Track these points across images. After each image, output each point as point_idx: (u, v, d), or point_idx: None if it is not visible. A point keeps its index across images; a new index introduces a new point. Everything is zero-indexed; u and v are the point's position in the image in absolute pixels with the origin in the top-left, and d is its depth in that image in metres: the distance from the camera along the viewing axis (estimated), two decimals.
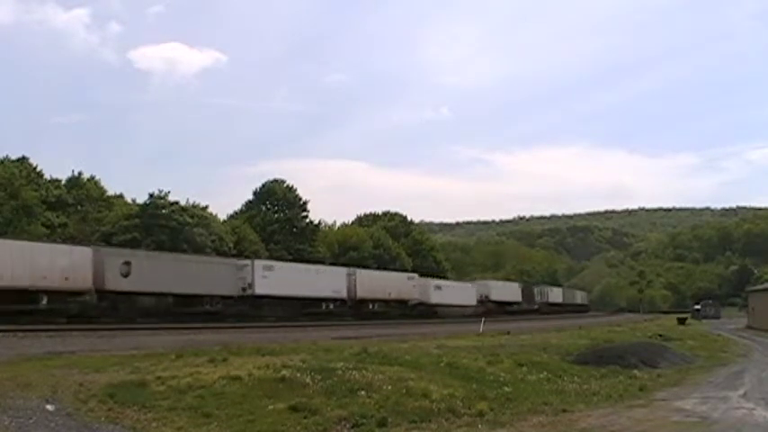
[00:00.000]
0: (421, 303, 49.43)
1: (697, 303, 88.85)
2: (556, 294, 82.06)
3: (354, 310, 43.06)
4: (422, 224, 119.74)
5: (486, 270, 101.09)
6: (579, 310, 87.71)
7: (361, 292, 43.98)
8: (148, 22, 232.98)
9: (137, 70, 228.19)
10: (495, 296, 61.65)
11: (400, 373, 12.99)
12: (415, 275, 51.88)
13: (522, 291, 70.63)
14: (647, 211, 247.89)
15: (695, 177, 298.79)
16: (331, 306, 41.25)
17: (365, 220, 79.78)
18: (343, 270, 44.64)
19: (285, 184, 64.19)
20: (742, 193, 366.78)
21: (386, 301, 46.48)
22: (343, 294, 42.16)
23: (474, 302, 56.90)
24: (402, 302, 47.99)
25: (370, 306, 45.02)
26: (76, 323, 26.06)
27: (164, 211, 47.15)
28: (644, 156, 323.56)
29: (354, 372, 12.46)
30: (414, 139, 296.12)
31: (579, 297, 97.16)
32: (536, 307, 71.77)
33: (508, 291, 67.45)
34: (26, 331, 20.16)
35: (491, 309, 57.38)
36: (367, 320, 40.11)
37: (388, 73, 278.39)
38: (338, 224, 77.84)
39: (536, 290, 77.02)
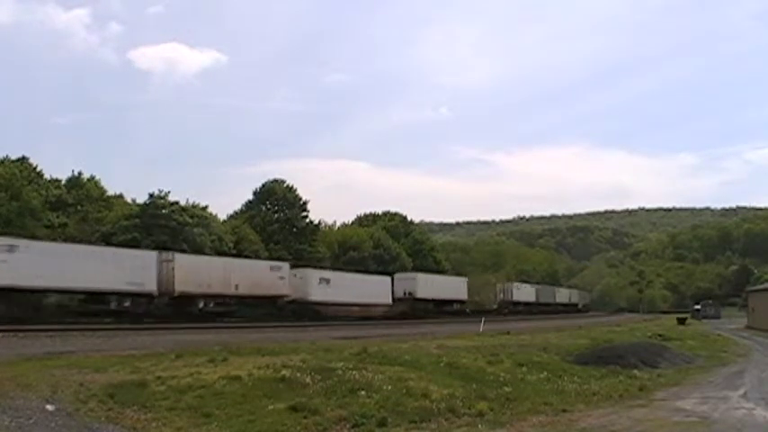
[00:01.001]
0: (295, 301, 39.16)
1: (697, 303, 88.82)
2: (525, 292, 72.60)
3: (169, 308, 32.65)
4: (422, 224, 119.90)
5: (486, 270, 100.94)
6: (561, 310, 79.09)
7: (183, 285, 32.68)
8: (148, 22, 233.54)
9: (137, 70, 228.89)
10: (424, 293, 50.88)
11: (400, 373, 12.99)
12: (285, 264, 40.36)
13: (471, 287, 60.47)
14: (647, 211, 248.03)
15: (695, 177, 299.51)
16: (127, 303, 30.19)
17: (365, 220, 79.74)
18: (150, 255, 32.55)
19: (285, 184, 64.13)
20: (742, 193, 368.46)
21: (228, 297, 35.21)
22: (149, 287, 31.11)
23: (389, 300, 47.40)
24: (263, 299, 37.29)
25: (200, 305, 33.70)
26: (76, 323, 26.07)
27: (164, 211, 47.08)
28: (644, 156, 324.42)
29: (354, 372, 12.46)
30: (414, 139, 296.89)
31: (563, 295, 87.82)
32: (495, 306, 63.52)
33: (447, 287, 56.27)
34: (26, 331, 20.16)
35: (416, 309, 48.75)
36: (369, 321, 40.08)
37: (388, 73, 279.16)
38: (338, 224, 77.88)
39: (499, 286, 68.95)
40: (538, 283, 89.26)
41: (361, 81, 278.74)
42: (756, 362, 22.75)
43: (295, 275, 40.01)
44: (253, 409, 9.72)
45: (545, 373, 15.58)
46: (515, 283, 72.65)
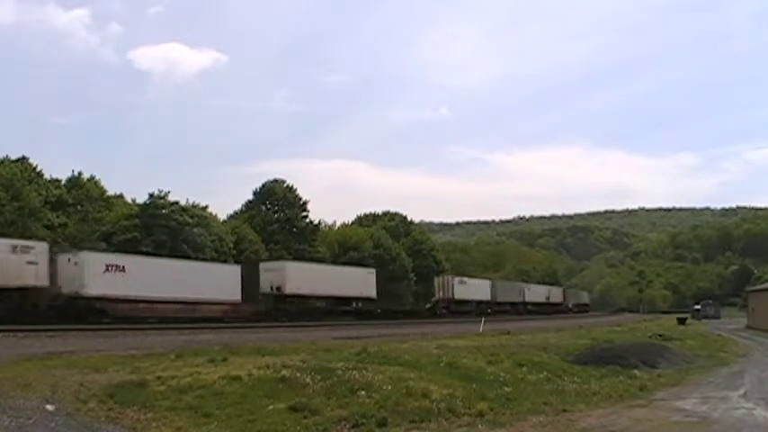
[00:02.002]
0: (61, 295, 29.42)
1: (697, 303, 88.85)
2: (473, 289, 60.01)
3: None
4: (422, 224, 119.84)
5: (486, 270, 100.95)
6: (533, 311, 68.03)
7: None
8: (148, 22, 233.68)
9: (137, 70, 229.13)
10: (298, 287, 40.12)
11: (400, 373, 12.99)
12: (41, 244, 29.90)
13: (380, 280, 49.76)
14: (647, 211, 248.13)
15: (695, 177, 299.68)
16: None
17: (365, 220, 79.68)
18: None
19: (285, 184, 64.10)
20: (742, 193, 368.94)
21: None
22: None
23: (235, 297, 36.50)
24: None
25: None
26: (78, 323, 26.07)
27: (164, 211, 47.07)
28: (644, 156, 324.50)
29: (354, 372, 12.46)
30: (414, 139, 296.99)
31: (536, 293, 75.54)
32: (428, 306, 56.46)
33: (339, 280, 44.19)
34: (26, 331, 20.18)
35: (285, 309, 38.91)
36: (367, 320, 39.99)
37: (388, 73, 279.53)
38: (338, 224, 77.83)
39: (437, 281, 58.40)
40: (506, 278, 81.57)
41: (361, 81, 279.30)
42: (756, 362, 22.75)
43: (69, 260, 30.33)
44: (253, 409, 9.72)
45: (545, 373, 15.57)
46: (459, 278, 60.24)
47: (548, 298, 78.82)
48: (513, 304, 66.55)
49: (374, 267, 53.40)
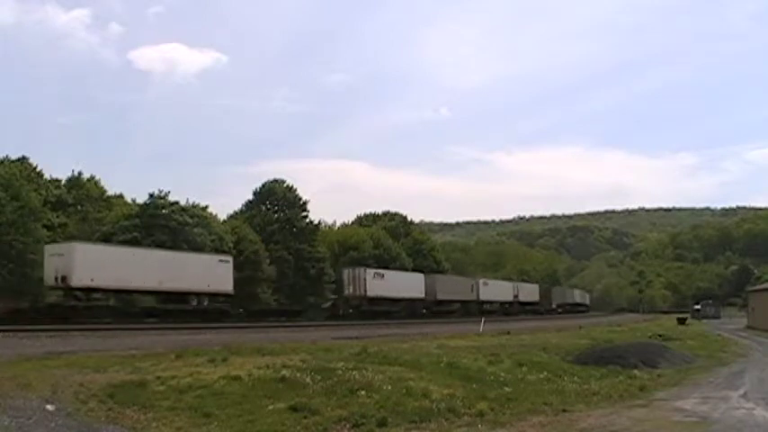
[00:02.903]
0: None
1: (697, 303, 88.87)
2: (397, 284, 48.83)
3: None
4: (422, 224, 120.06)
5: (486, 270, 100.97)
6: (488, 310, 57.66)
7: None
8: (148, 22, 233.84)
9: (137, 70, 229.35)
10: (102, 279, 30.35)
11: (400, 373, 12.99)
12: None
13: (237, 274, 39.46)
14: (647, 211, 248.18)
15: (695, 177, 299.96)
16: None
17: (365, 220, 79.77)
18: None
19: (285, 184, 64.12)
20: (742, 193, 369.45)
21: None
22: None
23: None
24: None
25: None
26: (77, 323, 26.06)
27: (164, 211, 47.09)
28: (644, 156, 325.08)
29: (354, 372, 12.46)
30: (414, 139, 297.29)
31: (500, 291, 66.04)
32: (327, 305, 49.40)
33: (175, 270, 33.98)
34: (26, 331, 20.17)
35: (67, 309, 29.08)
36: (369, 320, 39.98)
37: (388, 73, 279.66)
38: (338, 224, 77.92)
39: (347, 274, 47.44)
40: (462, 274, 72.15)
41: (361, 81, 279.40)
42: (756, 362, 22.73)
43: None
44: (253, 409, 9.72)
45: (545, 373, 15.56)
46: (374, 270, 49.03)
47: (515, 296, 68.53)
48: (463, 303, 57.82)
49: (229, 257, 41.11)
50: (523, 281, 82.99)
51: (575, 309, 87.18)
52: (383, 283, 48.19)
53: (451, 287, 57.91)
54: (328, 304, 50.61)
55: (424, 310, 51.61)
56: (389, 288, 48.44)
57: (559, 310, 79.02)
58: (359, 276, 47.08)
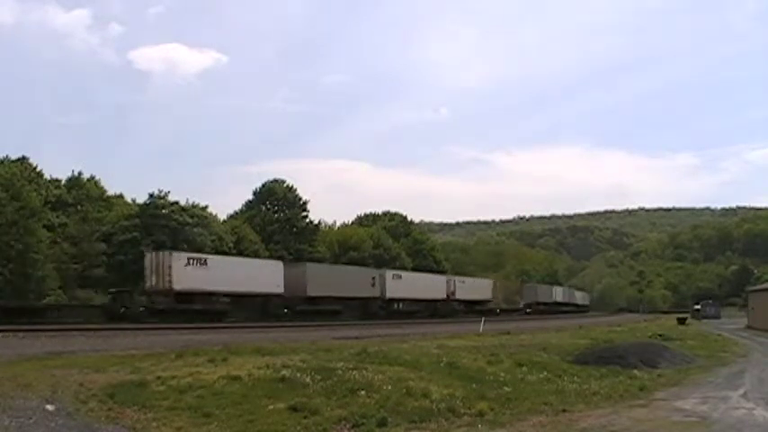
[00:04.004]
0: None
1: (697, 303, 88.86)
2: (224, 273, 35.05)
3: None
4: (422, 224, 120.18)
5: (486, 270, 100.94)
6: (418, 311, 49.83)
7: None
8: (149, 22, 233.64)
9: (137, 71, 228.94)
10: None
11: (400, 373, 12.99)
12: None
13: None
14: (647, 211, 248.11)
15: (695, 177, 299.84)
16: None
17: (365, 220, 79.83)
18: None
19: (285, 184, 64.22)
20: (742, 193, 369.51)
21: None
22: None
23: None
24: None
25: None
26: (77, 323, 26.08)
27: (164, 211, 47.16)
28: (644, 156, 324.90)
29: (354, 372, 12.46)
30: (414, 139, 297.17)
31: (419, 286, 51.90)
32: (140, 308, 32.48)
33: None
34: (26, 331, 20.18)
35: None
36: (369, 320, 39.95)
37: (388, 73, 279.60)
38: (338, 224, 77.94)
39: (149, 259, 33.82)
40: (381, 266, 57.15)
41: (361, 81, 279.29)
42: (756, 362, 22.72)
43: None
44: (253, 409, 9.72)
45: (545, 373, 15.55)
46: (183, 255, 34.97)
47: (450, 293, 55.20)
48: (356, 301, 44.69)
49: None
50: (466, 274, 71.07)
51: (553, 309, 73.36)
52: (205, 274, 34.12)
53: (336, 280, 43.09)
54: (111, 296, 35.99)
55: (286, 311, 38.53)
56: (217, 279, 34.41)
57: (528, 311, 67.12)
58: (163, 263, 33.10)
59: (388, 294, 47.80)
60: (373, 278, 47.24)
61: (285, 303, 39.28)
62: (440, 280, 57.29)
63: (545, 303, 74.17)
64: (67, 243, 44.42)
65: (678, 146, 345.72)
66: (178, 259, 33.68)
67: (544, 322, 47.49)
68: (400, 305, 50.07)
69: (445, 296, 54.93)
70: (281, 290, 38.67)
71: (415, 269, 64.88)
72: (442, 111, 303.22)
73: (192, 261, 34.28)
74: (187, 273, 33.49)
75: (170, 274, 32.81)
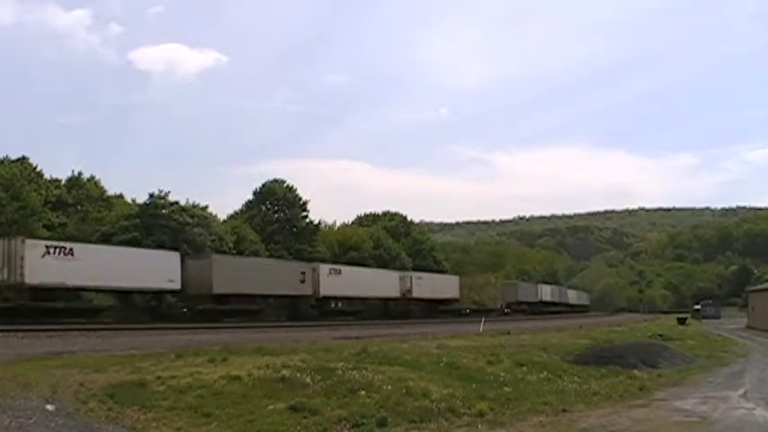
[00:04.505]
0: None
1: (697, 303, 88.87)
2: (98, 266, 29.09)
3: None
4: (422, 224, 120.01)
5: (486, 270, 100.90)
6: (345, 313, 44.27)
7: None
8: (149, 22, 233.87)
9: (137, 71, 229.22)
10: None
11: (400, 373, 12.99)
12: None
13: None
14: (647, 211, 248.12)
15: (695, 177, 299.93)
16: None
17: (365, 220, 79.77)
18: None
19: (285, 184, 64.18)
20: (742, 193, 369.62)
21: None
22: None
23: None
24: None
25: None
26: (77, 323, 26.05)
27: (164, 211, 47.12)
28: (644, 156, 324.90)
29: (354, 372, 12.45)
30: (414, 139, 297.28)
31: (358, 280, 45.28)
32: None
33: None
34: (26, 331, 20.16)
35: None
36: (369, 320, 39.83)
37: (388, 73, 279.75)
38: (338, 224, 77.88)
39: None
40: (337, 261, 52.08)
41: (361, 81, 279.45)
42: (756, 362, 22.73)
43: None
44: (253, 409, 9.72)
45: (545, 373, 15.56)
46: (41, 242, 29.42)
47: (407, 292, 49.81)
48: (284, 299, 39.91)
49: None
50: (424, 269, 63.23)
51: (540, 309, 68.33)
52: (70, 266, 28.52)
53: (254, 275, 37.55)
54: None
55: (185, 310, 33.86)
56: (88, 273, 29.07)
57: (506, 311, 61.70)
58: (14, 253, 27.56)
59: (323, 292, 41.78)
60: (303, 273, 41.17)
61: (184, 302, 34.51)
62: (392, 276, 51.03)
63: (529, 303, 68.80)
64: None
65: (678, 146, 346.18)
66: (33, 247, 28.16)
67: (545, 322, 47.47)
68: (339, 304, 44.30)
69: (399, 294, 49.14)
70: (176, 286, 33.13)
71: (361, 264, 56.06)
72: (442, 111, 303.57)
73: (52, 250, 28.80)
74: (46, 264, 28.10)
75: (22, 266, 27.56)
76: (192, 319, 32.37)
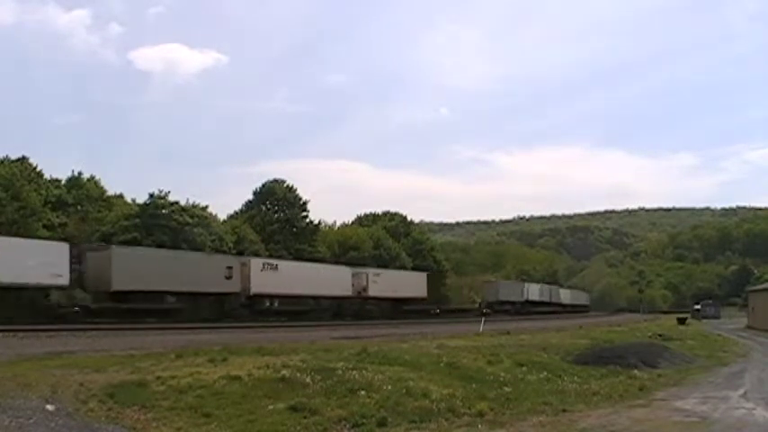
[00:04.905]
0: None
1: (697, 303, 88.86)
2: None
3: None
4: (422, 224, 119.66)
5: (486, 270, 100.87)
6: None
7: None
8: (149, 22, 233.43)
9: (137, 71, 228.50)
10: None
11: (400, 373, 12.99)
12: None
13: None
14: (647, 211, 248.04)
15: (695, 177, 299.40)
16: None
17: (365, 220, 79.64)
18: None
19: (285, 184, 64.15)
20: (742, 193, 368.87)
21: None
22: None
23: None
24: None
25: None
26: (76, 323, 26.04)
27: (164, 211, 47.12)
28: (644, 156, 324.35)
29: (354, 372, 12.46)
30: (414, 140, 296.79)
31: (315, 279, 42.20)
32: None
33: None
34: (26, 331, 20.18)
35: None
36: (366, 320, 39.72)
37: (388, 73, 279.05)
38: (338, 224, 77.81)
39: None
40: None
41: (361, 81, 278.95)
42: (756, 362, 22.75)
43: None
44: (253, 409, 9.72)
45: (545, 373, 15.57)
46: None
47: (362, 290, 46.23)
48: (195, 297, 34.85)
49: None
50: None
51: (525, 310, 63.90)
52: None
53: (165, 270, 33.39)
54: None
55: (76, 309, 29.33)
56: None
57: (486, 311, 54.96)
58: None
59: (254, 289, 37.90)
60: (229, 268, 37.21)
61: (73, 300, 30.05)
62: (343, 272, 45.83)
63: (512, 303, 64.51)
64: None
65: (678, 146, 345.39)
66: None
67: (544, 322, 47.47)
68: (275, 303, 39.77)
69: (353, 293, 45.04)
70: (63, 281, 28.98)
71: (311, 259, 52.07)
72: (442, 111, 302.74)
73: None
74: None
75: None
76: (84, 319, 28.09)
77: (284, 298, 40.25)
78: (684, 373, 18.42)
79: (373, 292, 46.79)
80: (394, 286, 49.26)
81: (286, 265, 42.09)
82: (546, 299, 75.74)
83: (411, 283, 52.89)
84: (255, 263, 39.51)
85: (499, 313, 57.03)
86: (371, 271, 49.31)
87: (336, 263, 51.62)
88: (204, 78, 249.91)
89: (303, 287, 40.78)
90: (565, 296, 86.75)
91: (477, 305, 61.78)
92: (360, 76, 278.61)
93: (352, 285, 45.43)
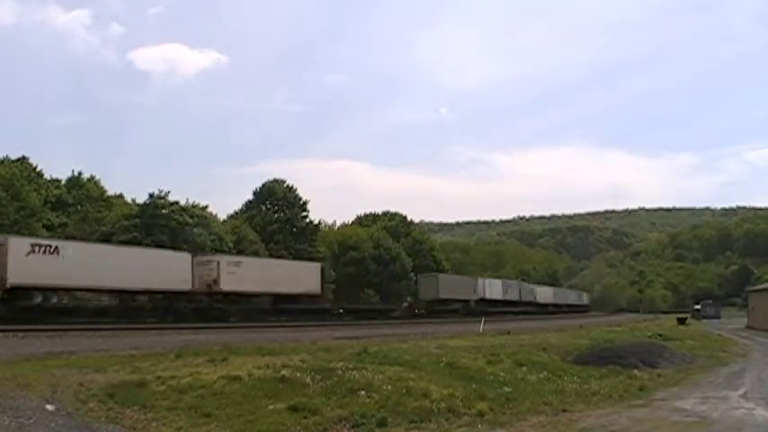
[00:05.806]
0: None
1: (697, 303, 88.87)
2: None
3: None
4: (422, 224, 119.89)
5: (486, 270, 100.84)
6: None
7: None
8: (149, 22, 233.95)
9: (137, 71, 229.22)
10: None
11: (400, 373, 12.98)
12: None
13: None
14: (647, 211, 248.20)
15: (695, 177, 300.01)
16: None
17: (365, 220, 79.66)
18: None
19: (285, 184, 64.16)
20: (742, 193, 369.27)
21: None
22: None
23: None
24: None
25: None
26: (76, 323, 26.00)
27: (164, 211, 47.14)
28: (644, 156, 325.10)
29: (354, 372, 12.45)
30: (414, 139, 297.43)
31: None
32: None
33: None
34: (26, 331, 20.17)
35: None
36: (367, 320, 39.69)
37: (387, 73, 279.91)
38: (338, 224, 77.83)
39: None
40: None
41: (361, 81, 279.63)
42: (756, 362, 22.74)
43: None
44: (253, 409, 9.72)
45: (545, 373, 15.57)
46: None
47: (212, 283, 35.92)
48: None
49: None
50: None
51: (483, 309, 50.61)
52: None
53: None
54: None
55: None
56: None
57: (418, 311, 49.08)
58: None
59: (15, 279, 27.12)
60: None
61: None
62: (179, 260, 35.04)
63: (459, 301, 54.41)
64: None
65: (678, 146, 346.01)
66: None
67: (544, 322, 47.45)
68: (51, 299, 29.03)
69: (197, 287, 35.13)
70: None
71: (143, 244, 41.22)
72: (442, 111, 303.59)
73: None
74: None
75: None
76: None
77: (67, 291, 30.10)
78: (684, 373, 18.41)
79: (230, 286, 36.22)
80: (268, 279, 38.76)
81: (75, 248, 30.38)
82: (513, 297, 66.55)
83: (295, 276, 41.57)
84: (17, 244, 28.11)
85: (443, 314, 48.97)
86: (227, 259, 38.46)
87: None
88: (204, 78, 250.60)
89: (102, 278, 29.93)
90: (543, 294, 77.13)
91: (405, 304, 54.49)
92: (360, 76, 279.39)
93: (195, 277, 35.25)
